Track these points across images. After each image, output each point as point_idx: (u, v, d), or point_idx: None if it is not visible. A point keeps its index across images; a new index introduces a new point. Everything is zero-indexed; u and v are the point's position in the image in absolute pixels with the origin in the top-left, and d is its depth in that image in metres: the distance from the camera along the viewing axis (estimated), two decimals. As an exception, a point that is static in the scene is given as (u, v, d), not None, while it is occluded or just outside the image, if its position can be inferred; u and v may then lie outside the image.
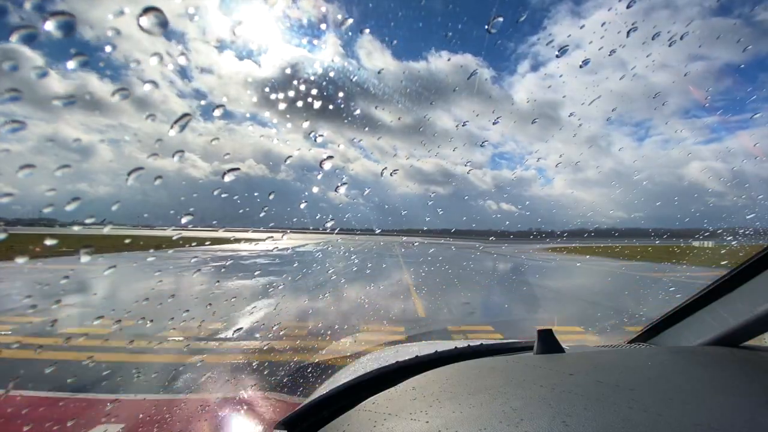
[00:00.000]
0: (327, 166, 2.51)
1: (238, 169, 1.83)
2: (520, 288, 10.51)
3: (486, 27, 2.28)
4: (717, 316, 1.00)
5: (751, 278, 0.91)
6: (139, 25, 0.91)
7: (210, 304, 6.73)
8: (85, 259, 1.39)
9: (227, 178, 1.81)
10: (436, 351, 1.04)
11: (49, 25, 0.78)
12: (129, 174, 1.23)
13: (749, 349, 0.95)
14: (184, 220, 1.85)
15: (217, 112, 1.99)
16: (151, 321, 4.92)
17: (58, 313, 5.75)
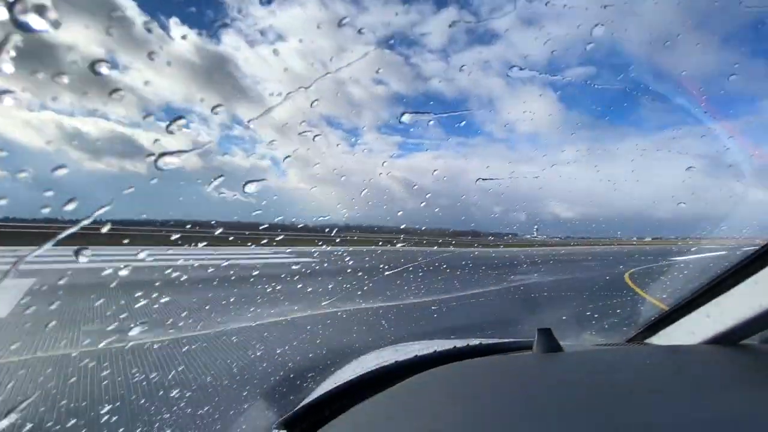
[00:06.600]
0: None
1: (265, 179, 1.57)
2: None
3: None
4: (715, 314, 1.00)
5: (749, 276, 0.91)
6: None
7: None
8: None
9: (249, 189, 1.55)
10: (436, 350, 1.04)
11: None
12: None
13: (748, 348, 0.95)
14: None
15: (215, 112, 1.97)
16: (146, 322, 4.90)
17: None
